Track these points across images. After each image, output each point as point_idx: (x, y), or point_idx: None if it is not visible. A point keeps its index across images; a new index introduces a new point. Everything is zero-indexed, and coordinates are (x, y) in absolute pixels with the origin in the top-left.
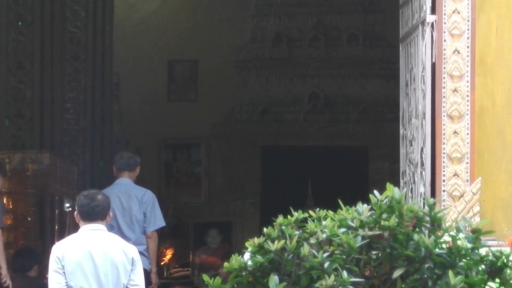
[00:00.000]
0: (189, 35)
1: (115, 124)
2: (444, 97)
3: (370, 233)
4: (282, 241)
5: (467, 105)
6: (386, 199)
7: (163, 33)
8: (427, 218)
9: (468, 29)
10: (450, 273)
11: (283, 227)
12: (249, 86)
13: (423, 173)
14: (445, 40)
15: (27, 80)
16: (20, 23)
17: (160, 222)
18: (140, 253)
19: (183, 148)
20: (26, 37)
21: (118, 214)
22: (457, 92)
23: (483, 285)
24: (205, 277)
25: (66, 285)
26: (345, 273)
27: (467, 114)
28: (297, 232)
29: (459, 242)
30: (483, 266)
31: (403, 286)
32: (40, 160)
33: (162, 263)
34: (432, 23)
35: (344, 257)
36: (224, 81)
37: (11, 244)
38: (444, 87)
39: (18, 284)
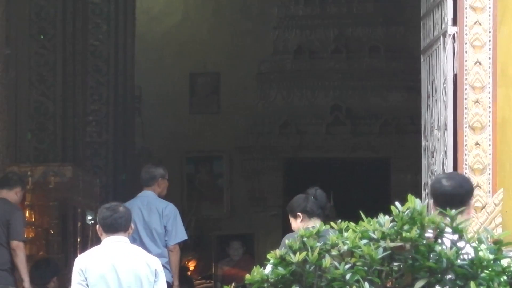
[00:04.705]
0: (211, 48)
1: (137, 137)
2: (465, 108)
3: (391, 244)
4: (304, 253)
5: (489, 116)
6: (408, 210)
7: (185, 46)
8: (449, 230)
9: (489, 41)
10: (472, 284)
11: (305, 239)
12: (271, 99)
13: None
14: (466, 52)
15: (49, 93)
16: (42, 36)
17: (182, 236)
18: (162, 266)
19: (205, 160)
20: (48, 50)
21: (140, 226)
22: (479, 103)
23: None
24: None
25: None
26: (367, 285)
27: (489, 125)
28: (318, 244)
29: (481, 253)
30: (505, 277)
31: None
32: (62, 173)
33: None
34: (454, 34)
35: (366, 268)
36: (246, 94)
37: (34, 257)
38: (465, 99)
39: None
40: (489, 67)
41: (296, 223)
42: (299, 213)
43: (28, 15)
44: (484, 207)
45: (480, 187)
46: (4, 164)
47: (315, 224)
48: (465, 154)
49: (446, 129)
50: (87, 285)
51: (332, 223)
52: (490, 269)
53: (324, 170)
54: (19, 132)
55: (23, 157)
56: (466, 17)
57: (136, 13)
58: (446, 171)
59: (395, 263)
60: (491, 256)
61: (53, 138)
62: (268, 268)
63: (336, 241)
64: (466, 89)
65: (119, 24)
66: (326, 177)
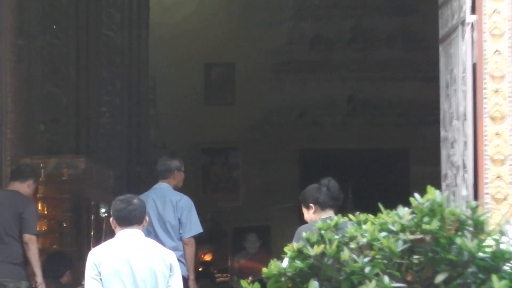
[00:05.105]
0: (225, 38)
1: (151, 128)
2: (485, 98)
3: (411, 237)
4: (322, 246)
5: (509, 106)
6: (428, 202)
7: (200, 36)
8: (470, 222)
9: (509, 29)
10: (494, 277)
11: (323, 232)
12: (286, 89)
13: (465, 175)
14: (485, 41)
15: (62, 84)
16: (55, 27)
17: (197, 228)
18: (177, 259)
19: (220, 152)
20: (61, 41)
21: (154, 219)
22: (499, 93)
23: None
24: (244, 283)
25: None
26: (386, 278)
27: (509, 115)
28: (336, 237)
29: (502, 246)
30: None
31: None
32: (75, 165)
33: (200, 269)
34: (472, 23)
35: (385, 261)
36: (261, 84)
37: (47, 250)
38: (485, 88)
39: None
40: (509, 56)
41: (309, 214)
42: (311, 204)
43: (41, 5)
44: (505, 198)
45: (501, 178)
46: (17, 156)
47: (328, 215)
48: (485, 145)
49: (465, 119)
50: (100, 279)
51: (350, 216)
52: None
53: (341, 162)
54: (32, 123)
55: (36, 149)
56: (484, 6)
57: (150, 3)
58: (466, 162)
59: (415, 256)
60: None
61: (66, 130)
62: (285, 261)
63: (355, 234)
64: (485, 78)
65: (132, 15)
66: (343, 169)
